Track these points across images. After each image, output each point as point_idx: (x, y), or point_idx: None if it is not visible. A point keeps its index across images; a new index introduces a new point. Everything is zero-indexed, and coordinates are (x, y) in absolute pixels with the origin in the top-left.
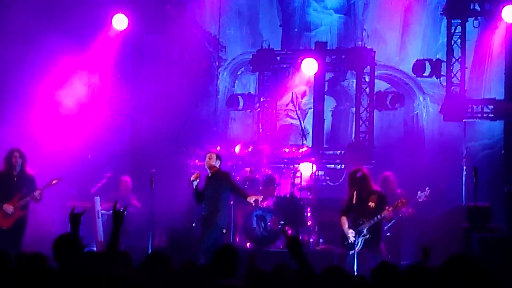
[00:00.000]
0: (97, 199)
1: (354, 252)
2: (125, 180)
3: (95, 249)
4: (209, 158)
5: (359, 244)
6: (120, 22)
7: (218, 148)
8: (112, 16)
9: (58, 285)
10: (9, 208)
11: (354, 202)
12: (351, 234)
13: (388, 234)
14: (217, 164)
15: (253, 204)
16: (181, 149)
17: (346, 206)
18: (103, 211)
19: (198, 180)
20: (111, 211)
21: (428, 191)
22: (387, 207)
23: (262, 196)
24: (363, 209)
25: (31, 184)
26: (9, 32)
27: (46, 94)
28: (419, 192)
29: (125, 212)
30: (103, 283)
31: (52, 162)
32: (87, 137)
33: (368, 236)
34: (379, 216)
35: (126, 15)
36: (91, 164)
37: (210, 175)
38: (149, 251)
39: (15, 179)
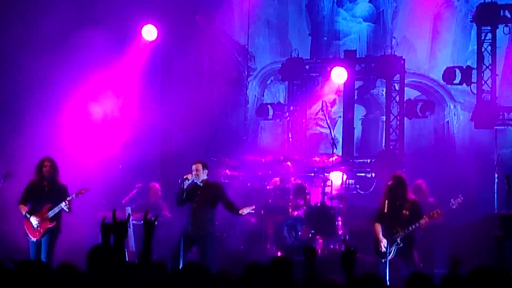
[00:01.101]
0: (128, 209)
1: (387, 260)
2: (154, 186)
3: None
4: (197, 170)
5: (392, 252)
6: (149, 33)
7: (249, 157)
8: (142, 27)
9: None
10: (35, 220)
11: (386, 210)
12: (384, 242)
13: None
14: (205, 174)
15: (243, 214)
16: (211, 159)
17: (379, 214)
18: (134, 221)
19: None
20: (142, 221)
21: (461, 198)
22: (424, 216)
23: (254, 206)
24: (397, 217)
25: (62, 194)
26: (41, 43)
27: (77, 105)
28: (452, 199)
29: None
30: None
31: (83, 172)
32: (117, 148)
33: (401, 245)
34: (414, 226)
35: (155, 26)
36: (122, 174)
37: (201, 185)
38: (181, 260)
39: (46, 189)
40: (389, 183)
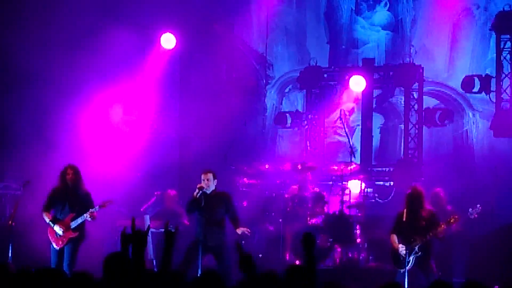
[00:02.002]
0: (147, 217)
1: (405, 270)
2: (168, 194)
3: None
4: (208, 180)
5: (411, 262)
6: (168, 41)
7: (267, 166)
8: (161, 36)
9: None
10: (59, 229)
11: (404, 220)
12: (401, 249)
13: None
14: (215, 183)
15: (238, 232)
16: (229, 167)
17: (396, 225)
18: (152, 229)
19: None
20: (162, 229)
21: (480, 208)
22: (441, 223)
23: (250, 231)
24: (414, 227)
25: (86, 202)
26: (61, 49)
27: (96, 113)
28: (470, 209)
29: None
30: None
31: (102, 180)
32: (136, 156)
33: (419, 254)
34: (431, 233)
35: (174, 35)
36: (141, 182)
37: (210, 194)
38: (199, 269)
39: (69, 196)
40: (407, 195)
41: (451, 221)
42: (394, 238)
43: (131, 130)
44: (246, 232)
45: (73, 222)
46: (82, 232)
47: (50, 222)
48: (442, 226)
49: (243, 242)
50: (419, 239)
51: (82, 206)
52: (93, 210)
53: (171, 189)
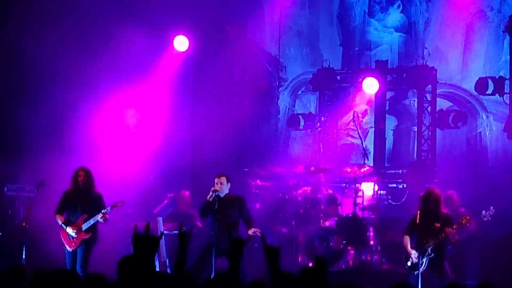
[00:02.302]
0: (160, 219)
1: (419, 272)
2: (182, 194)
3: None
4: (221, 183)
5: (424, 264)
6: (181, 43)
7: (280, 168)
8: (173, 38)
9: None
10: (72, 231)
11: (418, 221)
12: (414, 255)
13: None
14: (228, 187)
15: (251, 234)
16: (242, 169)
17: (409, 226)
18: (166, 231)
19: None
20: (175, 231)
21: (493, 210)
22: (454, 225)
23: (260, 232)
24: (428, 229)
25: (98, 204)
26: (74, 50)
27: (109, 115)
28: (483, 211)
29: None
30: None
31: (115, 182)
32: (149, 158)
33: (432, 255)
34: (443, 234)
35: (187, 37)
36: (154, 184)
37: (223, 198)
38: (212, 271)
39: (82, 198)
40: (423, 197)
41: (463, 221)
42: (407, 240)
43: (144, 132)
44: (257, 233)
45: (85, 224)
46: (94, 234)
47: (62, 225)
48: (454, 226)
49: (256, 245)
50: (432, 240)
51: (94, 208)
52: (105, 211)
53: (185, 190)
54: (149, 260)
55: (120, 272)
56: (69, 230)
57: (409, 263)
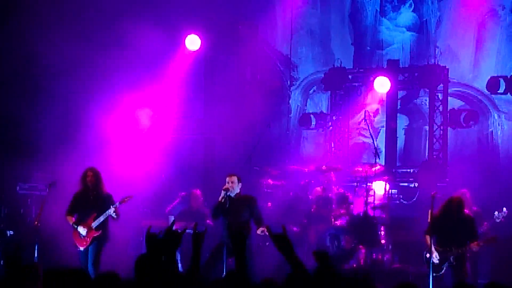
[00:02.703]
0: (172, 218)
1: (438, 275)
2: (193, 193)
3: None
4: (233, 182)
5: (444, 269)
6: (193, 42)
7: (291, 167)
8: (185, 37)
9: None
10: (83, 229)
11: (440, 223)
12: (435, 257)
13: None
14: (239, 187)
15: (260, 233)
16: (254, 169)
17: (430, 226)
18: (178, 230)
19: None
20: (188, 230)
21: (506, 212)
22: (479, 241)
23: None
24: (452, 235)
25: (107, 203)
26: (86, 49)
27: (121, 114)
28: (496, 212)
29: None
30: None
31: (127, 181)
32: (160, 157)
33: (454, 263)
34: (467, 248)
35: (198, 36)
36: (165, 183)
37: (234, 198)
38: (224, 271)
39: (91, 198)
40: (445, 204)
41: (489, 240)
42: (429, 239)
43: (156, 132)
44: (265, 232)
45: (95, 221)
46: (105, 232)
47: (73, 225)
48: (480, 243)
49: (267, 243)
50: (455, 250)
51: (104, 207)
52: (114, 206)
53: (196, 189)
54: (170, 258)
55: (137, 271)
56: (80, 229)
57: (427, 256)
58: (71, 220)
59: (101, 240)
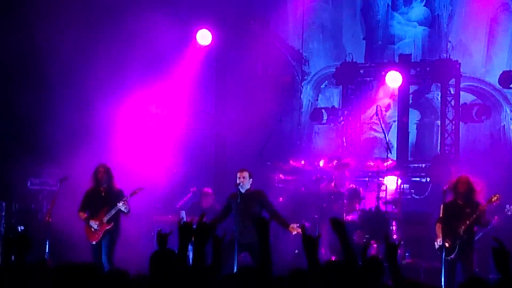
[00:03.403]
0: (183, 213)
1: (451, 257)
2: (205, 192)
3: None
4: (243, 178)
5: (456, 249)
6: (204, 37)
7: (303, 162)
8: (197, 32)
9: None
10: (94, 223)
11: (450, 209)
12: (447, 242)
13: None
14: (250, 182)
15: (293, 233)
16: (265, 163)
17: (441, 213)
18: None
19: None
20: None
21: None
22: (483, 203)
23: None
24: (459, 215)
25: (118, 199)
26: (97, 44)
27: (132, 110)
28: (507, 205)
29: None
30: None
31: (139, 177)
32: (172, 152)
33: (464, 237)
34: (475, 215)
35: (210, 31)
36: (176, 178)
37: (244, 194)
38: (235, 266)
39: (103, 194)
40: (455, 183)
41: (493, 199)
42: (439, 227)
43: (167, 127)
44: (298, 230)
45: (106, 215)
46: (117, 225)
47: (85, 219)
48: (484, 205)
49: (279, 239)
50: (463, 223)
51: (115, 202)
52: (125, 199)
53: (206, 188)
54: (200, 252)
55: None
56: (92, 223)
57: (438, 244)
58: (83, 216)
59: (113, 234)
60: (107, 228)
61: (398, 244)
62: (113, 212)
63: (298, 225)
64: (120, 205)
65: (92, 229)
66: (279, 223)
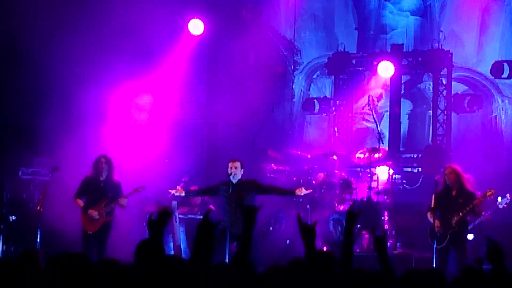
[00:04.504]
0: (175, 203)
1: (442, 246)
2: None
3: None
4: (235, 168)
5: (447, 238)
6: (196, 27)
7: (295, 152)
8: (188, 21)
9: None
10: (94, 213)
11: (441, 200)
12: (438, 225)
13: (470, 240)
14: (241, 173)
15: (302, 194)
16: (257, 153)
17: (432, 203)
18: (180, 216)
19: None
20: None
21: (510, 198)
22: (477, 196)
23: (311, 190)
24: (452, 205)
25: (117, 190)
26: (87, 35)
27: (123, 99)
28: (499, 197)
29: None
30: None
31: (130, 167)
32: (163, 142)
33: (456, 228)
34: (468, 208)
35: (202, 21)
36: (168, 169)
37: (236, 184)
38: (226, 256)
39: (102, 184)
40: (444, 173)
41: (487, 194)
42: (431, 215)
43: (159, 116)
44: (307, 191)
45: (107, 207)
46: (112, 219)
47: (83, 208)
48: (479, 199)
49: (270, 228)
50: (456, 214)
51: (113, 194)
52: (127, 194)
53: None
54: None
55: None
56: (92, 212)
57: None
58: (80, 203)
59: (110, 226)
60: (106, 220)
61: (384, 236)
62: (113, 205)
63: (305, 187)
64: (122, 201)
65: (92, 219)
66: (283, 193)
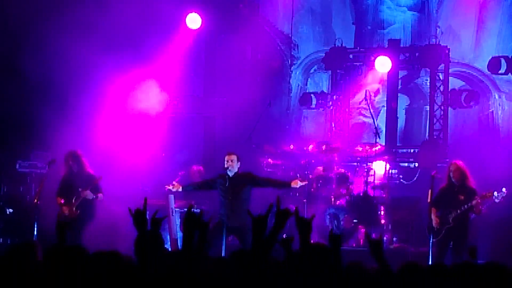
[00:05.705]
0: (171, 197)
1: (438, 239)
2: (193, 170)
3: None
4: (232, 161)
5: (443, 233)
6: (193, 21)
7: (292, 146)
8: (186, 16)
9: (138, 282)
10: (65, 210)
11: (444, 194)
12: (435, 219)
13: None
14: (238, 166)
15: (298, 186)
16: (254, 148)
17: (436, 198)
18: (177, 209)
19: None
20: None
21: (505, 192)
22: (476, 197)
23: (306, 181)
24: (453, 201)
25: (88, 182)
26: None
27: (120, 93)
28: (495, 192)
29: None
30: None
31: (127, 161)
32: (160, 136)
33: (452, 224)
34: (466, 206)
35: (199, 15)
36: (165, 162)
37: (232, 177)
38: (223, 249)
39: (73, 179)
40: (451, 171)
41: (487, 195)
42: (433, 210)
43: (156, 110)
44: (303, 183)
45: (75, 202)
46: (85, 212)
47: (59, 205)
48: (477, 199)
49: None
50: (454, 211)
51: (83, 187)
52: (80, 189)
53: (196, 165)
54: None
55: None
56: (65, 209)
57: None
58: (59, 201)
59: (82, 220)
60: (75, 216)
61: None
62: (78, 200)
63: (300, 179)
64: (83, 193)
65: (64, 216)
66: (278, 186)
